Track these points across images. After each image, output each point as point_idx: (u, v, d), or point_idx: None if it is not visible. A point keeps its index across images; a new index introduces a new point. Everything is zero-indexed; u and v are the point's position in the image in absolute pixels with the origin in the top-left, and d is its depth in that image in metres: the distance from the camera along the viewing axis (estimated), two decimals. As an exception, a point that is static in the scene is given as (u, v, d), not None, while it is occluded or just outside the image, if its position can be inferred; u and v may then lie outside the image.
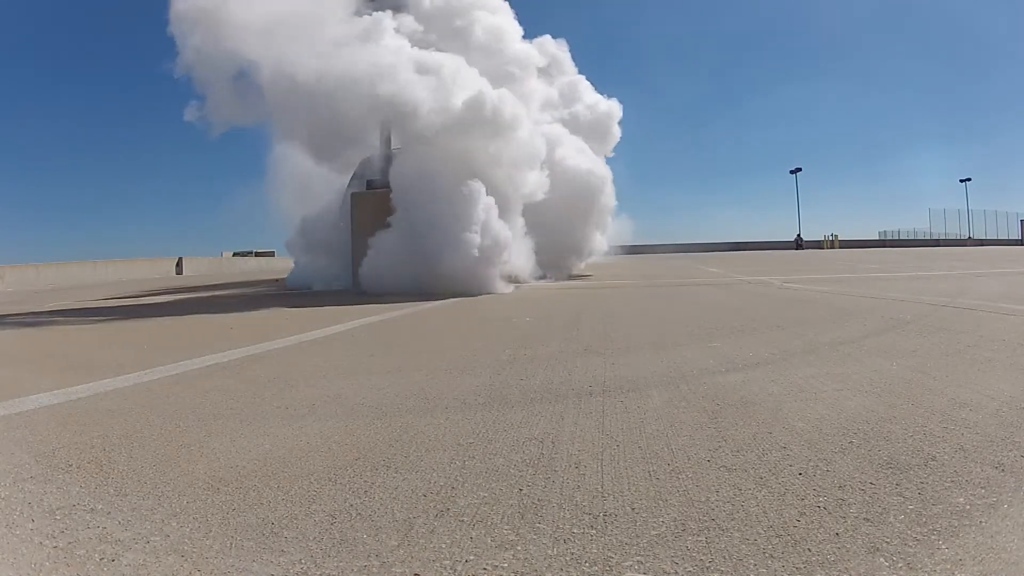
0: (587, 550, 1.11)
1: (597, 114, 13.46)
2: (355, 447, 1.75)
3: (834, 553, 1.07)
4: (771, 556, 1.07)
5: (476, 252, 7.87)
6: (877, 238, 44.21)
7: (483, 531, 1.20)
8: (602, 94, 13.94)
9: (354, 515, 1.29)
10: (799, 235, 43.49)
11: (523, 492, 1.38)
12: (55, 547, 1.17)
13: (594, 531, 1.18)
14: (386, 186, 8.83)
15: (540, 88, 12.14)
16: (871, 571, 1.01)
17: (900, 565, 1.02)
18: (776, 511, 1.25)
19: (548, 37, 13.82)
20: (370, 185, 9.61)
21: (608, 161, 13.34)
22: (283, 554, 1.12)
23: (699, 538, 1.14)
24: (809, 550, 1.08)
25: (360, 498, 1.38)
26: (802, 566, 1.03)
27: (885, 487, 1.35)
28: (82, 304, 8.58)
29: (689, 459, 1.57)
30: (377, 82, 8.31)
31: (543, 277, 10.45)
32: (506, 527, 1.21)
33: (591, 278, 10.94)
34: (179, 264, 22.05)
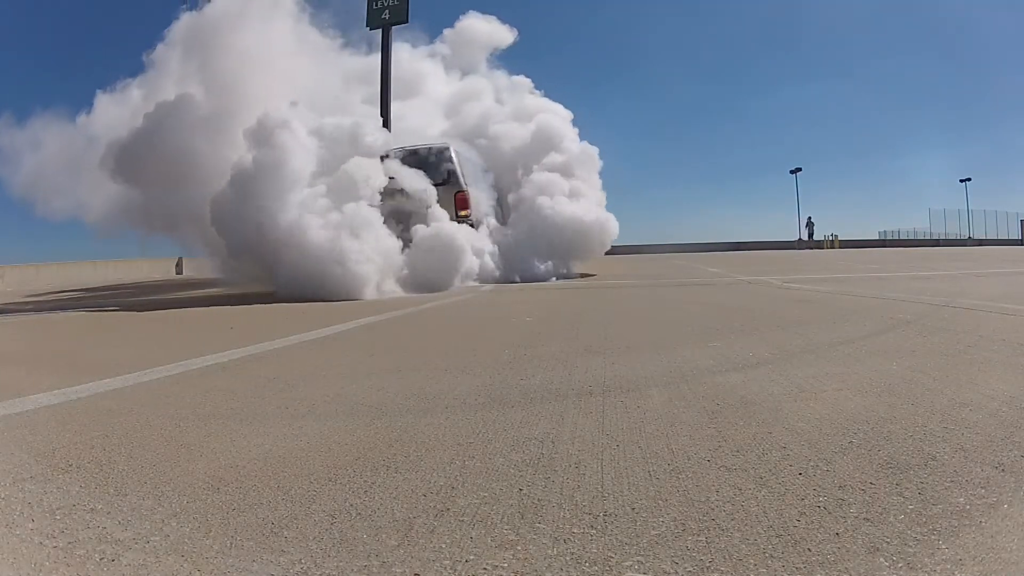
0: (587, 550, 1.11)
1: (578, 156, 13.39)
2: (355, 447, 1.75)
3: (834, 553, 1.07)
4: (771, 556, 1.07)
5: None
6: (877, 238, 44.01)
7: (483, 531, 1.20)
8: (601, 95, 14.10)
9: (354, 515, 1.29)
10: (810, 218, 41.40)
11: (523, 492, 1.38)
12: (55, 547, 1.17)
13: (594, 531, 1.18)
14: None
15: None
16: (871, 571, 1.01)
17: (900, 565, 1.02)
18: (776, 511, 1.24)
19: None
20: None
21: (608, 160, 13.41)
22: (283, 554, 1.12)
23: (699, 538, 1.14)
24: (809, 550, 1.08)
25: (360, 498, 1.38)
26: (802, 566, 1.03)
27: (885, 487, 1.35)
28: (81, 298, 8.57)
29: (689, 459, 1.57)
30: None
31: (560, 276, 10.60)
32: (506, 527, 1.21)
33: (592, 277, 10.94)
34: (179, 264, 22.05)
